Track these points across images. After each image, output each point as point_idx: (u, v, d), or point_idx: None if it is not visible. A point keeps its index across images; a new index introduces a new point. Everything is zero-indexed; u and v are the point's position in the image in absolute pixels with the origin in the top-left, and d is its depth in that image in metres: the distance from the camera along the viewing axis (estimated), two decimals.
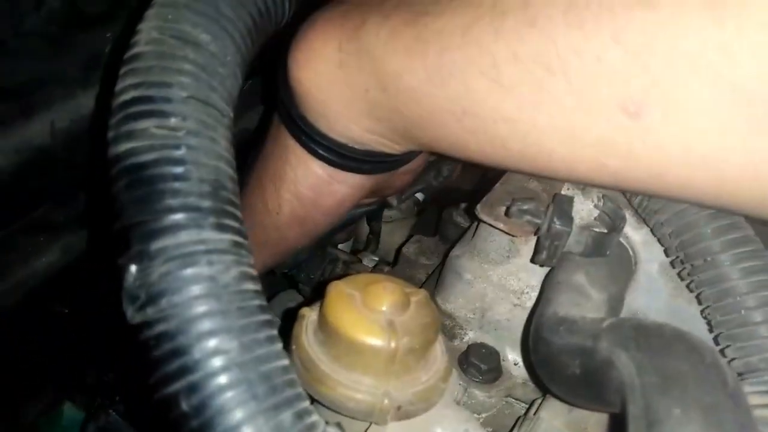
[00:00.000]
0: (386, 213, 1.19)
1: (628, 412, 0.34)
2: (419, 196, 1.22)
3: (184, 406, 0.36)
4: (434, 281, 0.77)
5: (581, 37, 0.40)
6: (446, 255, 0.73)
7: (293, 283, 0.96)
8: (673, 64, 0.38)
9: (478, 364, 0.65)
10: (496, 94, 0.45)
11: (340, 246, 1.05)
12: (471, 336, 0.70)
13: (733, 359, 0.49)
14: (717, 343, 0.51)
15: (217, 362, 0.36)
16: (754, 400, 0.46)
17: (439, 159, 0.94)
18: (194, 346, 0.36)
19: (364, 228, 1.08)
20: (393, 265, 0.93)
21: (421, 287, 0.81)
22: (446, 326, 0.71)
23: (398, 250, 0.92)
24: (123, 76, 0.44)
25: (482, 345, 0.67)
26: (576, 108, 0.42)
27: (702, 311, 0.52)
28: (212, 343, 0.37)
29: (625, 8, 0.39)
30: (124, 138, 0.41)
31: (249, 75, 0.85)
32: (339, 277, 0.53)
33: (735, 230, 0.50)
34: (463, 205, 0.90)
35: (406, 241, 0.93)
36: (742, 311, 0.48)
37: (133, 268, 0.38)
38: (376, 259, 1.01)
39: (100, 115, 0.44)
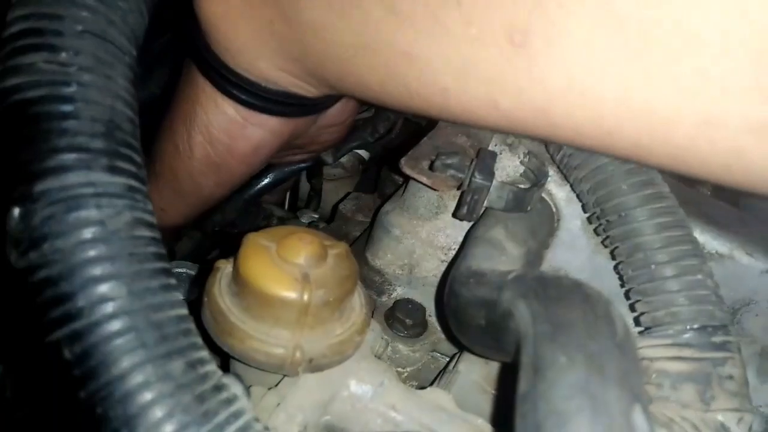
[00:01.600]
0: (330, 171, 1.18)
1: (520, 361, 0.34)
2: (364, 154, 1.20)
3: (67, 354, 0.35)
4: (367, 237, 0.76)
5: None
6: (377, 211, 0.73)
7: (227, 240, 0.95)
8: None
9: (403, 319, 0.65)
10: (393, 26, 0.45)
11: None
12: (399, 292, 0.70)
13: (642, 314, 0.50)
14: (628, 298, 0.51)
15: (103, 309, 0.35)
16: (657, 352, 0.47)
17: (374, 115, 0.93)
18: (79, 293, 0.35)
19: (305, 185, 1.07)
20: (329, 221, 0.92)
21: (353, 243, 0.80)
22: (375, 282, 0.71)
23: (335, 207, 0.91)
24: (14, 7, 0.41)
25: (408, 300, 0.67)
26: (467, 39, 0.42)
27: (615, 266, 0.53)
28: (98, 290, 0.35)
29: None
30: (11, 73, 0.39)
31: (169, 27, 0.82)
32: None
33: (650, 186, 0.50)
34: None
35: (344, 197, 0.92)
36: (653, 266, 0.49)
37: (15, 210, 0.36)
38: (316, 216, 0.99)
39: None
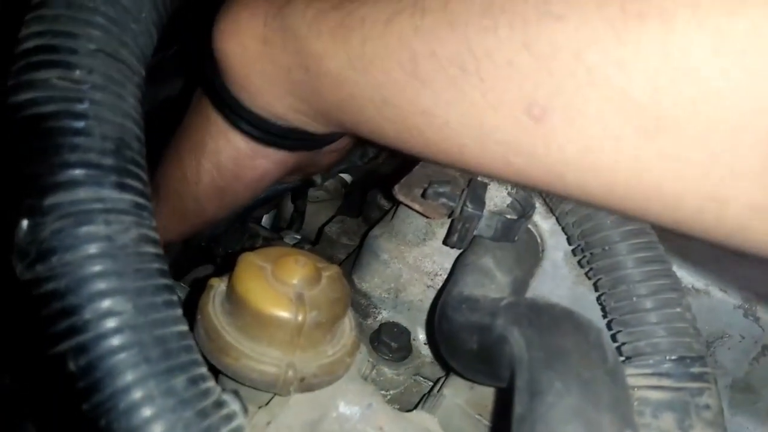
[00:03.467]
0: (313, 193, 1.19)
1: (515, 385, 0.35)
2: (347, 177, 1.22)
3: (72, 366, 0.35)
4: (353, 260, 0.77)
5: (495, 41, 0.42)
6: (365, 235, 0.74)
7: (211, 257, 0.95)
8: (575, 74, 0.39)
9: (388, 342, 0.66)
10: (413, 88, 0.46)
11: (262, 222, 1.04)
12: (385, 315, 0.71)
13: (623, 344, 0.52)
14: (610, 329, 0.53)
15: (108, 324, 0.35)
16: (639, 381, 0.48)
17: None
18: (85, 306, 0.35)
19: (288, 206, 1.07)
20: (314, 243, 0.93)
21: (339, 266, 0.81)
22: (361, 305, 0.72)
23: (320, 229, 0.92)
24: (28, 23, 0.42)
25: (394, 324, 0.68)
26: (486, 107, 0.44)
27: (598, 298, 0.55)
28: (104, 304, 0.36)
29: (537, 16, 0.40)
30: (24, 87, 0.39)
31: (173, 41, 0.83)
32: None
33: (632, 222, 0.53)
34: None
35: (329, 220, 0.94)
36: (634, 298, 0.51)
37: (24, 222, 0.37)
38: (298, 237, 1.00)
39: (3, 63, 0.42)
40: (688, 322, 0.50)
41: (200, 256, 1.00)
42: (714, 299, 0.59)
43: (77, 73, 0.40)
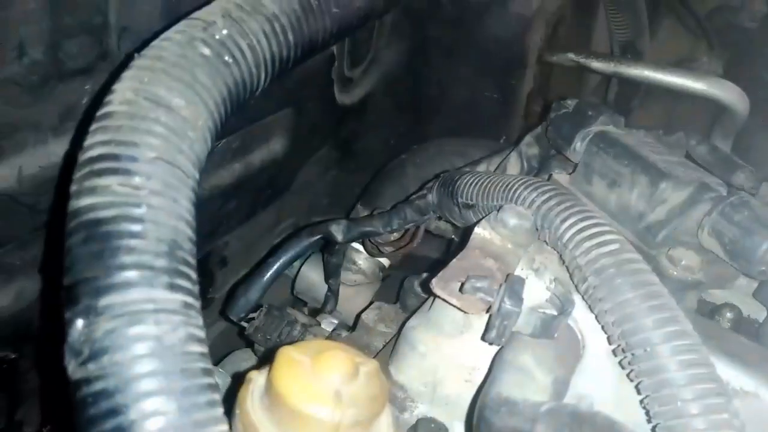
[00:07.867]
0: (350, 277, 1.20)
1: None
2: (384, 261, 1.23)
3: None
4: (390, 349, 0.77)
5: None
6: (403, 325, 0.74)
7: (249, 342, 0.96)
8: None
9: None
10: None
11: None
12: (422, 409, 0.70)
13: None
14: None
15: (153, 425, 0.36)
16: None
17: (390, 210, 0.96)
18: (131, 406, 0.36)
19: (323, 288, 1.09)
20: (351, 330, 0.93)
21: (377, 355, 0.81)
22: (398, 398, 0.71)
23: (358, 316, 0.92)
24: (92, 133, 0.45)
25: (431, 420, 0.67)
26: None
27: (641, 400, 0.53)
28: (150, 404, 0.37)
29: None
30: (86, 193, 0.42)
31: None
32: (295, 340, 0.53)
33: (674, 323, 0.52)
34: (424, 275, 0.91)
35: (367, 307, 0.94)
36: (679, 403, 0.49)
37: (79, 322, 0.39)
38: (335, 322, 1.01)
39: (70, 166, 0.45)
40: (736, 429, 0.48)
41: (239, 341, 1.01)
42: (764, 402, 0.56)
43: (136, 179, 0.42)
